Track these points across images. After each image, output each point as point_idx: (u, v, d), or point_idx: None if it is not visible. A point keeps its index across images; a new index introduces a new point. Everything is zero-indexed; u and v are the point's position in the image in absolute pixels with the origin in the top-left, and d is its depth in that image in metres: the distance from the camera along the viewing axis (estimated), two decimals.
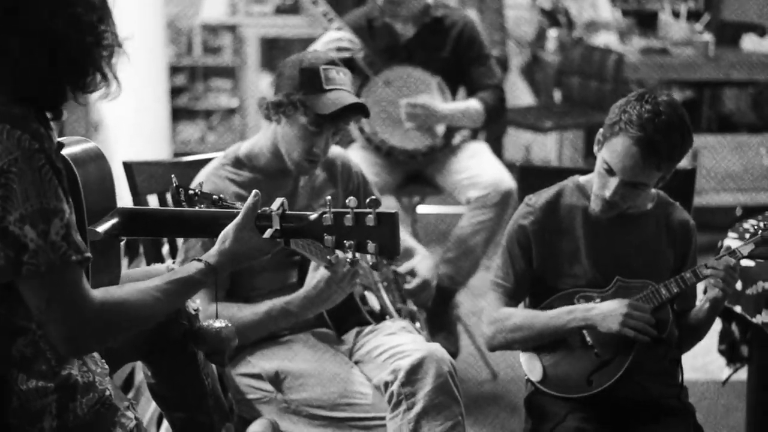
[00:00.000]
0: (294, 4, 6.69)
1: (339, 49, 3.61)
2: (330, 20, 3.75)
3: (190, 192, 2.10)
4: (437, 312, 3.72)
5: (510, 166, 3.88)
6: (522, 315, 2.47)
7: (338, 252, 2.30)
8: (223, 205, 2.10)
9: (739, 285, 2.62)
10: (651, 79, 5.39)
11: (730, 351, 2.96)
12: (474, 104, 3.78)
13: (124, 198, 2.63)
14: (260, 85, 6.52)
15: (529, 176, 2.78)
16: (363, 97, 3.68)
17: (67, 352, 1.70)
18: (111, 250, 1.87)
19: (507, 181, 3.69)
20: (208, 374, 2.17)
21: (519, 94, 6.36)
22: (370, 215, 1.79)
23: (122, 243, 1.97)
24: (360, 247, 1.80)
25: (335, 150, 2.73)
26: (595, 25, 5.89)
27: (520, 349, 2.50)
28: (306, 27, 6.28)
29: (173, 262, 2.23)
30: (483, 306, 2.58)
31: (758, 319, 2.63)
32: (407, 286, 2.77)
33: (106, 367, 1.88)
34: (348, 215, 1.81)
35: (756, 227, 2.42)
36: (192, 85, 6.84)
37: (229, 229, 1.87)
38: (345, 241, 1.81)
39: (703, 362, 3.82)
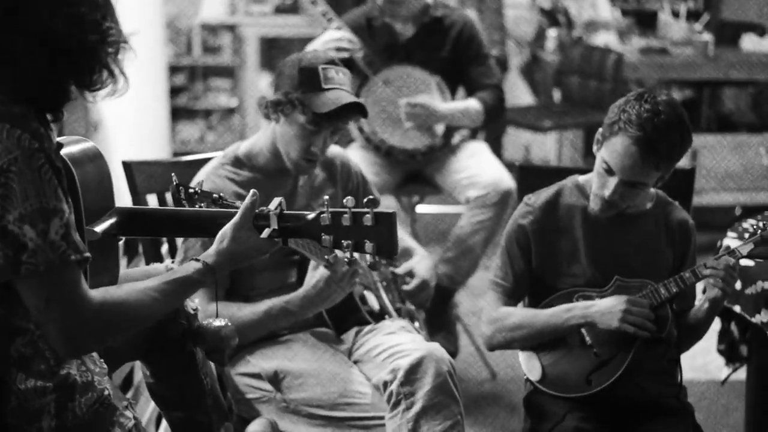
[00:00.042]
0: (293, 4, 6.69)
1: (338, 49, 3.61)
2: (329, 20, 3.75)
3: (191, 190, 2.10)
4: (436, 311, 3.72)
5: (509, 166, 3.88)
6: (521, 314, 2.47)
7: (337, 251, 2.30)
8: (223, 204, 2.10)
9: (738, 285, 2.62)
10: (650, 79, 5.39)
11: (729, 351, 2.97)
12: (473, 104, 3.78)
13: (123, 197, 2.63)
14: (260, 84, 6.52)
15: (529, 176, 2.78)
16: (362, 96, 3.68)
17: (65, 353, 1.70)
18: (109, 250, 1.87)
19: (506, 180, 3.68)
20: (206, 374, 2.18)
21: (518, 93, 6.36)
22: (367, 215, 1.79)
23: (121, 242, 1.97)
24: (358, 246, 1.80)
25: (334, 150, 2.73)
26: (595, 25, 5.89)
27: (519, 348, 2.50)
28: (305, 27, 6.28)
29: (172, 262, 2.23)
30: (482, 305, 2.58)
31: (757, 319, 2.63)
32: (406, 287, 2.77)
33: (105, 366, 1.88)
34: (345, 215, 1.80)
35: (755, 227, 2.41)
36: (191, 84, 6.84)
37: (226, 228, 1.86)
38: (343, 241, 1.81)
39: (703, 362, 3.82)
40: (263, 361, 2.48)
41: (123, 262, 3.23)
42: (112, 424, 1.81)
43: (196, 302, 2.15)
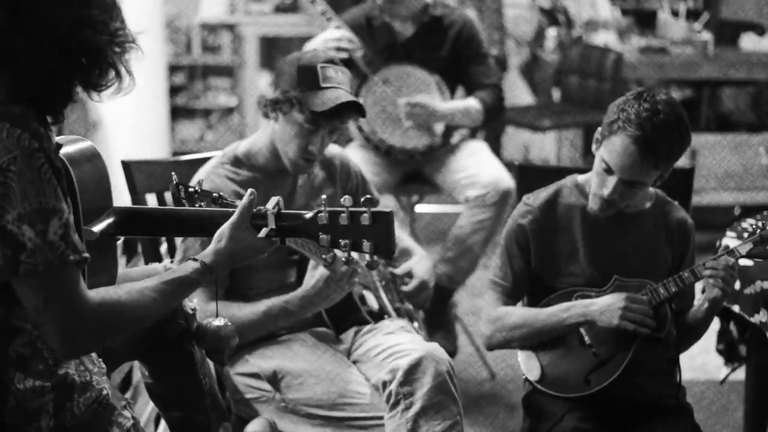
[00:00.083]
0: (293, 3, 6.69)
1: (338, 49, 3.61)
2: (329, 19, 3.75)
3: (190, 189, 2.10)
4: (436, 311, 3.72)
5: (509, 165, 3.87)
6: (520, 313, 2.47)
7: (335, 251, 2.30)
8: (223, 203, 2.10)
9: (737, 284, 2.62)
10: (650, 78, 5.39)
11: (728, 350, 2.96)
12: (473, 103, 3.78)
13: (122, 197, 2.63)
14: (259, 83, 6.52)
15: (528, 175, 2.78)
16: (362, 96, 3.68)
17: (63, 353, 1.70)
18: (107, 249, 1.87)
19: (506, 180, 3.68)
20: (205, 373, 2.17)
21: (518, 93, 6.36)
22: (365, 214, 1.79)
23: (120, 242, 1.97)
24: (355, 245, 1.80)
25: (334, 149, 2.73)
26: (594, 24, 5.89)
27: (518, 347, 2.50)
28: (305, 26, 6.28)
29: (171, 261, 2.23)
30: (481, 305, 2.58)
31: (756, 319, 2.63)
32: (405, 288, 2.77)
33: (104, 366, 1.87)
34: (343, 214, 1.80)
35: (754, 226, 2.41)
36: (191, 83, 6.84)
37: (224, 228, 1.86)
38: (340, 240, 1.81)
39: (702, 362, 3.82)
40: (262, 360, 2.48)
41: (122, 261, 3.23)
42: (111, 423, 1.81)
43: (194, 302, 2.15)
